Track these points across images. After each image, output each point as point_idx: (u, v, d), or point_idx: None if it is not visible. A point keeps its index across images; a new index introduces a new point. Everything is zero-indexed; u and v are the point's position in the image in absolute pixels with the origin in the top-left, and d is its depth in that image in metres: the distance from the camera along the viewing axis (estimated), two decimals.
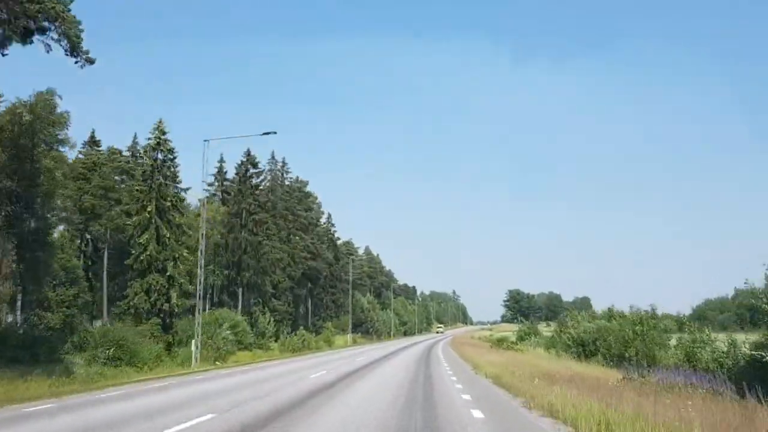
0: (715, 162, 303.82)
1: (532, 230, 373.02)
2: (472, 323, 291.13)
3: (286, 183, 73.92)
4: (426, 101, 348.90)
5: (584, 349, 30.35)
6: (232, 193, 59.11)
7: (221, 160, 62.85)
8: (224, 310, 47.88)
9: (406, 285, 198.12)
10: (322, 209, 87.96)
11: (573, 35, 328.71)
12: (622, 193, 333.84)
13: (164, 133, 41.26)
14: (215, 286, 57.73)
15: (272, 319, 53.00)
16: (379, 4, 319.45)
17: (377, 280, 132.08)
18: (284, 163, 73.30)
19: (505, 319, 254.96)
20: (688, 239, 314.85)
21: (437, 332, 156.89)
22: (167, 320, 39.18)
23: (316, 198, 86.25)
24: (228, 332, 38.47)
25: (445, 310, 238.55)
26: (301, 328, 56.36)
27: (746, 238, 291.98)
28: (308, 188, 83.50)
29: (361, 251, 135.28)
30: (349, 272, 78.02)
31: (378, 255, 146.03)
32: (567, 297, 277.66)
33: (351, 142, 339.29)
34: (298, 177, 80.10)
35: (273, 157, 70.50)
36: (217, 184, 63.16)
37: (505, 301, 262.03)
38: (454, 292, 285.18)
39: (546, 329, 68.77)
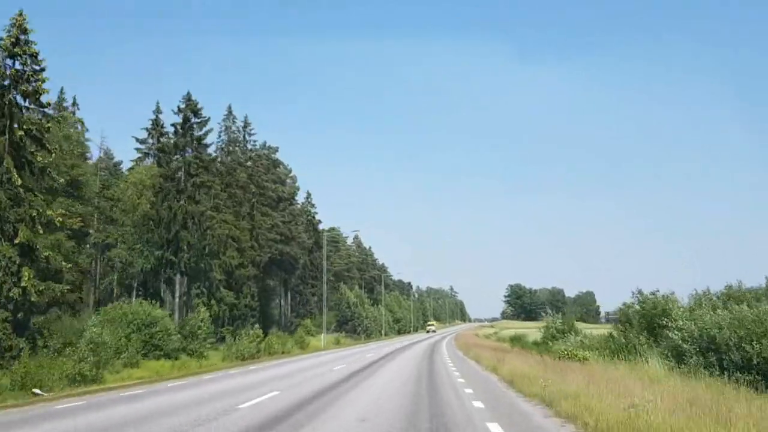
0: (711, 157, 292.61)
1: (529, 225, 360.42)
2: (470, 320, 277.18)
3: (249, 147, 59.47)
4: (422, 97, 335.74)
5: (721, 359, 16.40)
6: (167, 150, 44.83)
7: (157, 111, 48.46)
8: (137, 303, 33.70)
9: (401, 281, 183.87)
10: (297, 184, 73.67)
11: (572, 33, 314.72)
12: (619, 187, 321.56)
13: (26, 32, 27.03)
14: (144, 270, 43.44)
15: (209, 315, 38.67)
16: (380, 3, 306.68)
17: (368, 273, 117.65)
18: (246, 123, 58.91)
19: (505, 316, 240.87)
20: (692, 233, 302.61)
21: (428, 331, 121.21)
22: (19, 315, 24.99)
23: (290, 171, 71.97)
24: (96, 332, 24.18)
25: (442, 307, 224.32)
26: (257, 326, 42.10)
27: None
28: (279, 156, 69.20)
29: (349, 241, 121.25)
30: (323, 249, 62.58)
31: (370, 248, 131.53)
32: (569, 292, 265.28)
33: (346, 139, 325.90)
34: (265, 142, 65.82)
35: (230, 112, 55.83)
36: (152, 141, 48.84)
37: (505, 296, 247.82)
38: (451, 288, 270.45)
39: (584, 325, 54.58)
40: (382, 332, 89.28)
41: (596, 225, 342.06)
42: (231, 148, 54.32)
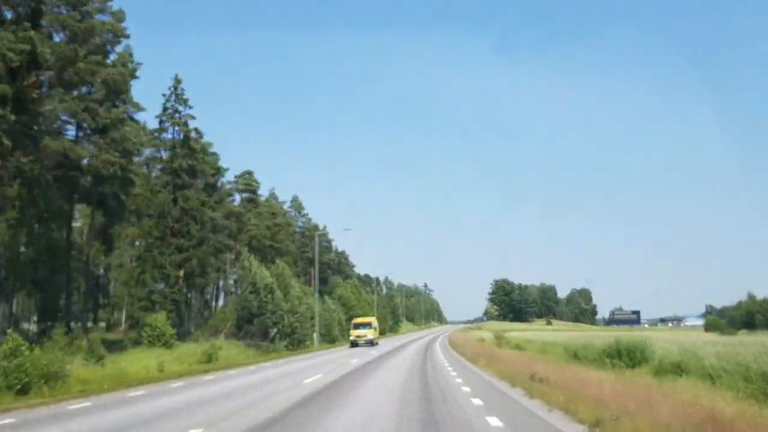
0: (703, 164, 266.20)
1: (514, 219, 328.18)
2: (446, 322, 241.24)
3: None
4: (398, 90, 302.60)
5: None
6: None
7: None
8: None
9: (367, 275, 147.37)
10: (127, 31, 36.71)
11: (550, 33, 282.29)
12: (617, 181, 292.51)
13: None
14: None
15: None
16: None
17: (310, 252, 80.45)
18: None
19: (490, 316, 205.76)
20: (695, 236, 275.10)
21: (355, 342, 51.96)
22: None
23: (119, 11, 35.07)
24: None
25: (416, 305, 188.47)
26: None
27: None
28: None
29: (287, 206, 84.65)
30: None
31: (326, 227, 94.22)
32: (561, 291, 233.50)
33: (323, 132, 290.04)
34: None
35: None
36: None
37: (490, 293, 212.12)
38: (425, 286, 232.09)
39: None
40: (315, 340, 52.85)
41: (593, 220, 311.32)
42: None
